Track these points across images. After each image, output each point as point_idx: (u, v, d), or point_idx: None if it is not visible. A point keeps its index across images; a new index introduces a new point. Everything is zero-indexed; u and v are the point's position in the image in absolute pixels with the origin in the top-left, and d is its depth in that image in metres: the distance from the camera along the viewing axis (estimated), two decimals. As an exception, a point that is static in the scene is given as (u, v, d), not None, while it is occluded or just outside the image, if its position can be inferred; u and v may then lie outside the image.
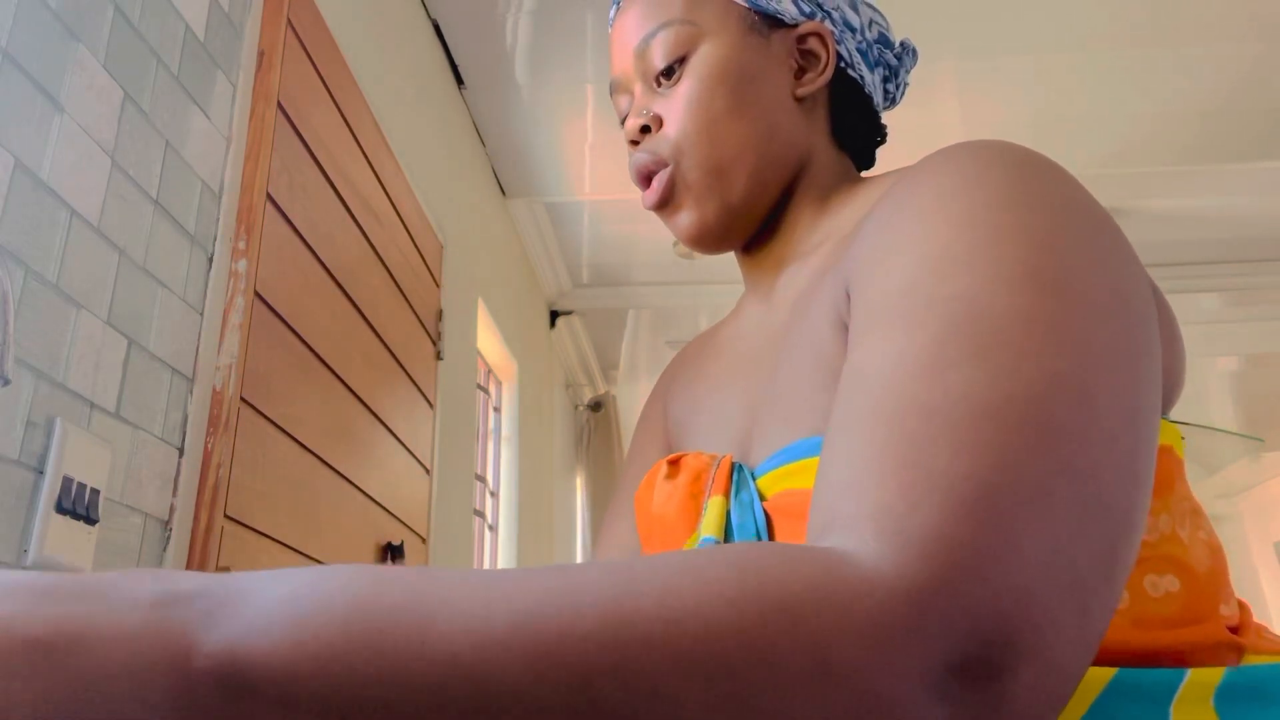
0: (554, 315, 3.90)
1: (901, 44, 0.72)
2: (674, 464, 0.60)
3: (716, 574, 0.32)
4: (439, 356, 2.16)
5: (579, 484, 4.36)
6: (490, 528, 3.02)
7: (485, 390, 3.11)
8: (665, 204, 0.65)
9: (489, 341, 2.93)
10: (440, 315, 2.19)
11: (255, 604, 0.31)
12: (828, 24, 0.67)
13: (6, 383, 0.76)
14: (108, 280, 1.00)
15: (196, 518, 1.13)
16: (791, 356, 0.56)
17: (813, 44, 0.67)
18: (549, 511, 3.62)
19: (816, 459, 0.49)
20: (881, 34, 0.70)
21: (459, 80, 2.56)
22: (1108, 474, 0.37)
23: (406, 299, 1.95)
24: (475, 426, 2.58)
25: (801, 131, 0.66)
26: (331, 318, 1.55)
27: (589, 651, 0.30)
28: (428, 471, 2.02)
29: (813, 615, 0.31)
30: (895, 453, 0.36)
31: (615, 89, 0.70)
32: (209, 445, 1.15)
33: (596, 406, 4.46)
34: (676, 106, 0.64)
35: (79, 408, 0.95)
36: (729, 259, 3.55)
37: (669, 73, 0.65)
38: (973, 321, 0.40)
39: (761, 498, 0.53)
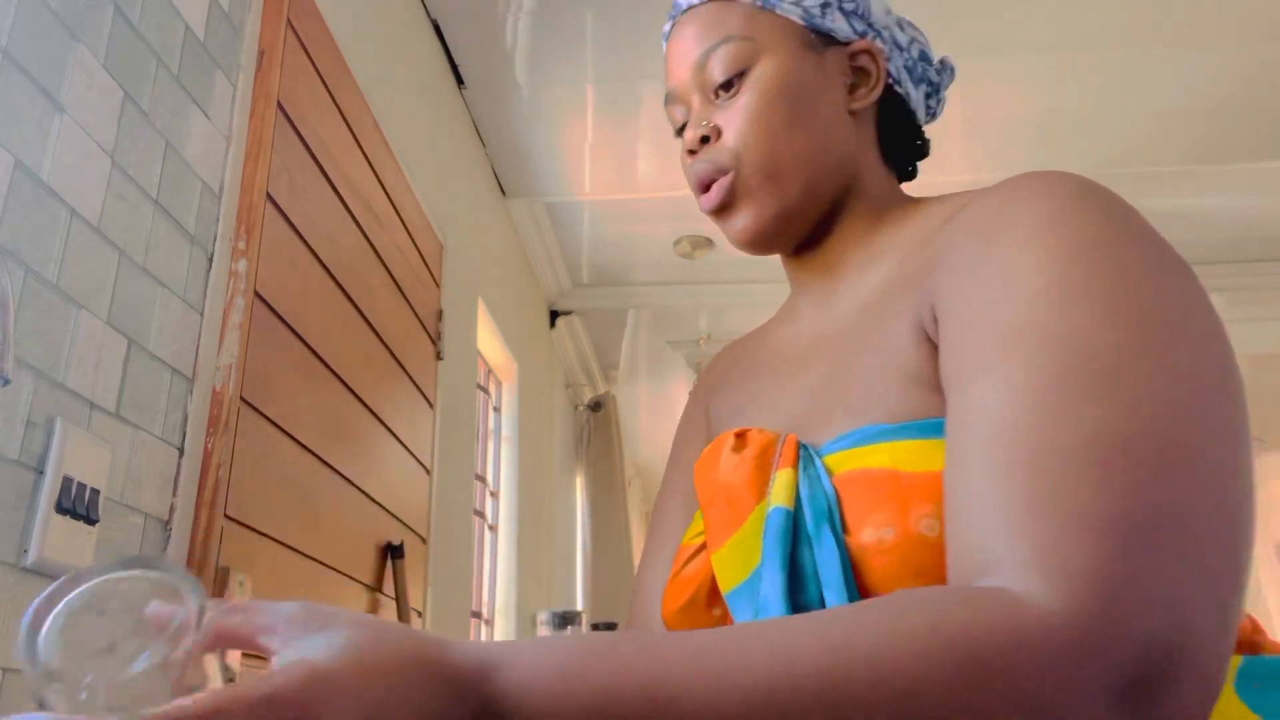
0: (554, 315, 3.90)
1: (941, 61, 0.76)
2: (740, 436, 0.62)
3: (914, 632, 0.37)
4: (439, 356, 2.16)
5: (579, 484, 4.36)
6: (490, 528, 3.02)
7: (485, 390, 3.11)
8: (723, 208, 0.68)
9: (489, 341, 2.93)
10: (440, 315, 2.19)
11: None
12: (878, 42, 0.70)
13: (6, 383, 0.75)
14: (108, 280, 1.00)
15: (196, 518, 1.13)
16: (860, 356, 0.60)
17: (864, 61, 0.70)
18: (549, 511, 3.62)
19: (887, 443, 0.53)
20: (923, 51, 0.74)
21: (459, 80, 2.56)
22: (1231, 491, 0.41)
23: (406, 299, 1.95)
24: (475, 426, 2.58)
25: (853, 145, 0.69)
26: (331, 318, 1.55)
27: None
28: (428, 471, 2.02)
29: (1002, 661, 0.36)
30: (1042, 494, 0.41)
31: (671, 100, 0.73)
32: (209, 445, 1.15)
33: (596, 406, 4.45)
34: (736, 118, 0.67)
35: (79, 408, 0.95)
36: (730, 260, 3.55)
37: (728, 86, 0.68)
38: (1086, 361, 0.44)
39: (829, 473, 0.55)
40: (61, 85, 0.95)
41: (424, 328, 2.07)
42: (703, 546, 0.62)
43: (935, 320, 0.55)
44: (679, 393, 4.84)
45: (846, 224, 0.69)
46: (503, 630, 2.94)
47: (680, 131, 0.72)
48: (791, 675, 0.37)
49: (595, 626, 3.56)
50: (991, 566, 0.40)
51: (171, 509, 1.10)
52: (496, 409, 3.20)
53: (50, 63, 0.94)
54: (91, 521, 0.94)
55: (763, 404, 0.69)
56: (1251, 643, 0.50)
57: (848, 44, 0.69)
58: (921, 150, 0.75)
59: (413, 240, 2.02)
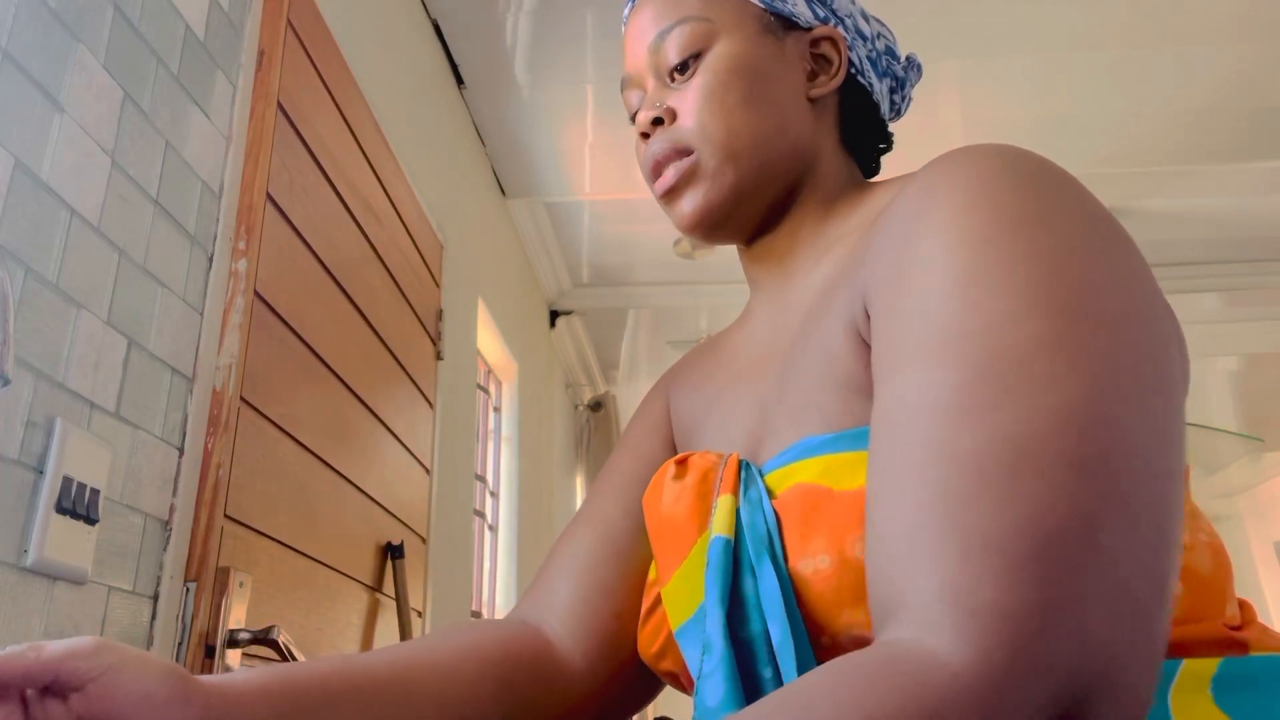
0: (554, 315, 3.90)
1: (908, 58, 0.74)
2: (681, 464, 0.60)
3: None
4: (439, 356, 2.16)
5: (579, 484, 4.35)
6: (490, 528, 3.02)
7: (485, 390, 3.11)
8: (675, 190, 0.65)
9: (489, 341, 2.93)
10: (440, 315, 2.19)
11: None
12: (840, 30, 0.68)
13: (6, 383, 0.75)
14: (108, 280, 1.00)
15: (196, 518, 1.13)
16: (803, 360, 0.58)
17: (825, 48, 0.68)
18: (549, 511, 3.62)
19: (822, 456, 0.51)
20: (889, 47, 0.72)
21: (459, 80, 2.56)
22: (1145, 493, 0.38)
23: (406, 299, 1.95)
24: (475, 426, 2.58)
25: (811, 132, 0.67)
26: (331, 318, 1.55)
27: None
28: (428, 471, 2.02)
29: None
30: (944, 515, 0.38)
31: (627, 84, 0.70)
32: (209, 445, 1.15)
33: (596, 406, 4.45)
34: (691, 99, 0.65)
35: (79, 408, 0.95)
36: (730, 259, 3.55)
37: (683, 68, 0.66)
38: (996, 359, 0.41)
39: (770, 494, 0.53)
40: (61, 85, 0.95)
41: (424, 328, 2.07)
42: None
43: (867, 318, 0.52)
44: (679, 393, 4.83)
45: (800, 213, 0.67)
46: (502, 630, 2.93)
47: (632, 119, 0.70)
48: None
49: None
50: (902, 604, 0.39)
51: (171, 509, 1.10)
52: (496, 409, 3.20)
53: (50, 63, 0.94)
54: (91, 521, 0.94)
55: (714, 418, 0.67)
56: (1237, 641, 0.48)
57: (809, 29, 0.67)
58: (886, 146, 0.73)
59: (413, 240, 2.02)
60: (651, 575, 0.62)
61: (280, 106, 1.38)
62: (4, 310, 0.74)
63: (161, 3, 1.13)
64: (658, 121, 0.66)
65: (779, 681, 0.49)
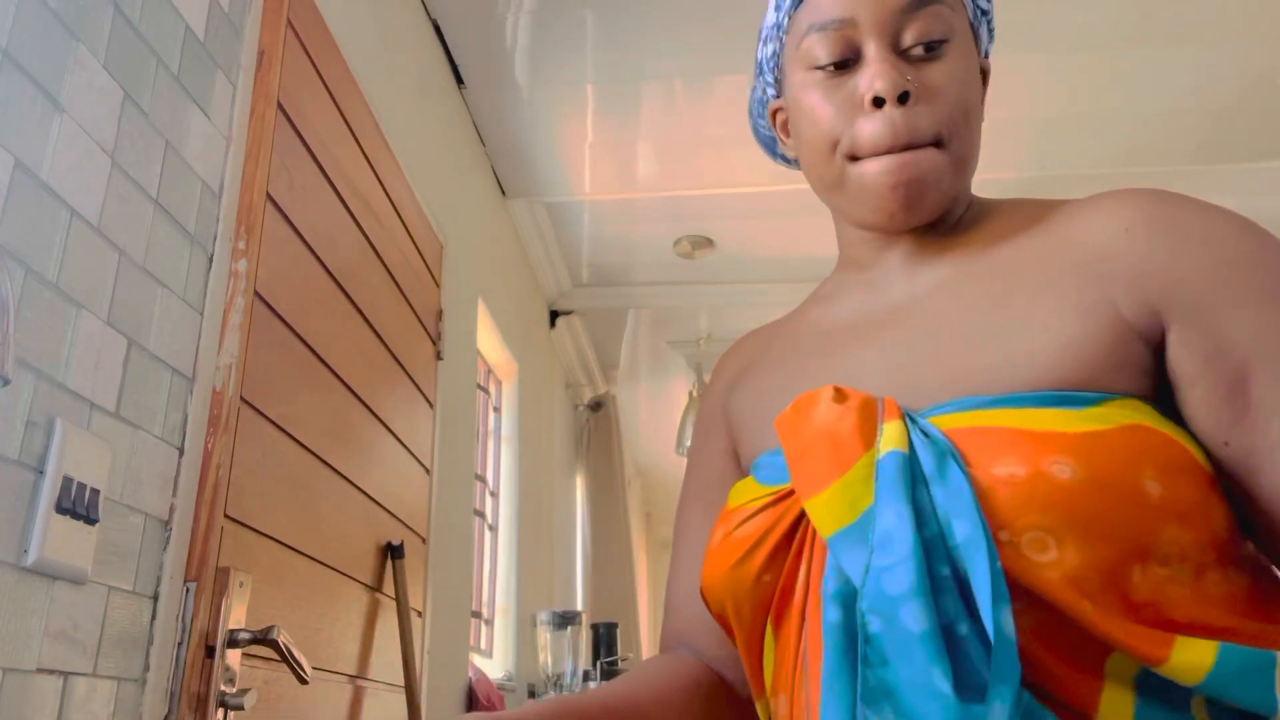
0: (554, 315, 3.90)
1: None
2: (839, 391, 0.60)
3: None
4: (439, 356, 2.16)
5: (579, 484, 4.36)
6: (490, 528, 3.02)
7: (485, 390, 3.11)
8: (916, 185, 0.62)
9: (489, 341, 2.93)
10: (440, 315, 2.19)
11: None
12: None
13: (6, 383, 0.76)
14: (108, 280, 1.00)
15: (196, 518, 1.13)
16: (964, 328, 0.60)
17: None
18: (549, 511, 3.62)
19: (997, 410, 0.54)
20: None
21: (459, 80, 2.56)
22: None
23: (406, 299, 1.95)
24: (475, 426, 2.58)
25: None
26: (331, 318, 1.55)
27: None
28: (428, 471, 2.02)
29: None
30: None
31: (840, 25, 0.64)
32: (209, 445, 1.15)
33: (596, 406, 4.45)
34: (941, 85, 0.62)
35: (79, 408, 0.95)
36: (730, 259, 3.54)
37: (931, 47, 0.63)
38: None
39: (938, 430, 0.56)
40: (61, 85, 0.95)
41: (424, 328, 2.07)
42: (762, 509, 0.60)
43: (1158, 320, 0.56)
44: (679, 393, 4.83)
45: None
46: (502, 630, 2.94)
47: (826, 67, 0.65)
48: None
49: (595, 627, 3.56)
50: None
51: (171, 509, 1.10)
52: (496, 409, 3.20)
53: (50, 63, 0.94)
54: (91, 521, 0.94)
55: (813, 377, 0.67)
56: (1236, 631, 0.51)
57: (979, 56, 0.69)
58: None
59: (413, 240, 2.02)
60: (734, 504, 0.64)
61: (280, 106, 1.38)
62: (4, 310, 0.74)
63: (161, 3, 1.13)
64: (904, 97, 0.61)
65: (956, 579, 0.51)
